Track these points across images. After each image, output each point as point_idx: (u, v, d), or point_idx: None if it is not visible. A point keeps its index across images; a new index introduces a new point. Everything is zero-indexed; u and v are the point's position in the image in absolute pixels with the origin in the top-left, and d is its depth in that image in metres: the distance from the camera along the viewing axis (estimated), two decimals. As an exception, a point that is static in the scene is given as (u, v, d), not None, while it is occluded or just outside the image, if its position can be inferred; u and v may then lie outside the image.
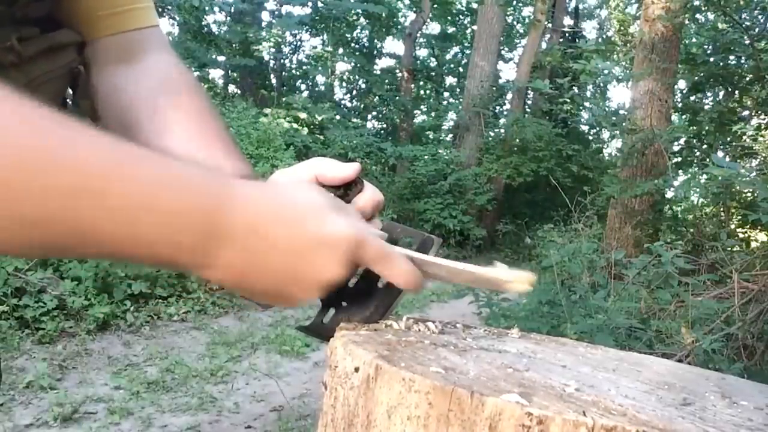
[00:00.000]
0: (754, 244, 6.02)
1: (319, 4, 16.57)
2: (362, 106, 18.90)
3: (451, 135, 17.29)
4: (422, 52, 20.03)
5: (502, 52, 18.18)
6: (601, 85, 14.11)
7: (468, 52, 17.48)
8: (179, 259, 0.48)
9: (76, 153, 0.41)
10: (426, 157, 12.99)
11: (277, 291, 0.54)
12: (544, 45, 15.90)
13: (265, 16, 17.32)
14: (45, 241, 0.42)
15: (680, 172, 8.06)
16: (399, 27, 18.73)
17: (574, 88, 8.01)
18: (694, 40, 7.78)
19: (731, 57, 7.16)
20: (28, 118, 0.40)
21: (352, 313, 0.62)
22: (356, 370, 0.49)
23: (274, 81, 17.29)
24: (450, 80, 20.69)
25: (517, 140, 12.89)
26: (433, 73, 19.91)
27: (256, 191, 0.51)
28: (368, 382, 0.47)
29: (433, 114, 19.00)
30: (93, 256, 0.47)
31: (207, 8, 13.98)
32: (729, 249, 4.38)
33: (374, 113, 19.10)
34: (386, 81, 18.37)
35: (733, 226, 6.17)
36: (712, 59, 7.24)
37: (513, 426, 0.40)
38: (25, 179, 0.39)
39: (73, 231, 0.42)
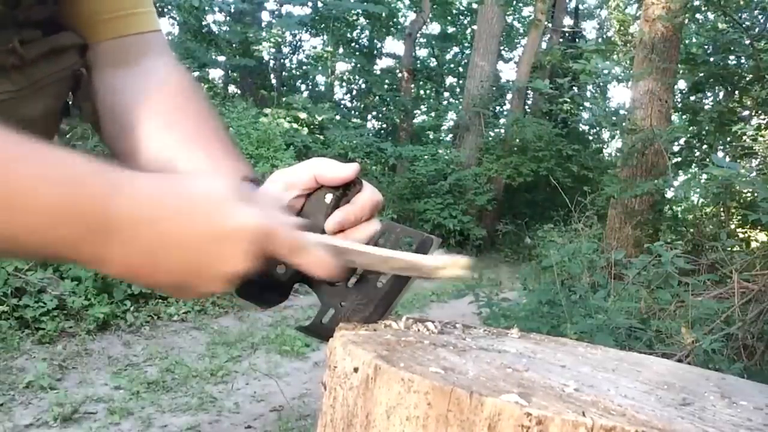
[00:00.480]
0: (754, 244, 6.02)
1: (319, 4, 16.57)
2: (362, 106, 18.90)
3: (451, 135, 17.30)
4: (422, 52, 20.05)
5: (502, 52, 18.19)
6: (601, 85, 14.11)
7: (468, 52, 17.48)
8: (68, 254, 0.47)
9: None
10: (426, 157, 12.99)
11: (177, 284, 0.53)
12: (544, 45, 15.90)
13: (265, 16, 17.33)
14: None
15: (680, 172, 8.07)
16: (399, 27, 18.74)
17: (574, 88, 8.01)
18: (694, 40, 7.78)
19: (731, 57, 7.16)
20: None
21: (352, 312, 0.62)
22: (355, 370, 0.49)
23: (274, 81, 17.29)
24: (450, 80, 20.71)
25: (517, 140, 12.89)
26: (433, 73, 19.91)
27: (149, 184, 0.51)
28: (367, 382, 0.47)
29: (433, 114, 19.01)
30: None
31: (207, 8, 13.98)
32: (729, 249, 4.38)
33: (374, 113, 19.10)
34: (386, 81, 18.38)
35: (733, 226, 6.17)
36: (712, 59, 7.23)
37: (512, 426, 0.40)
38: None
39: None
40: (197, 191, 0.52)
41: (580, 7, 18.80)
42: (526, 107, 15.93)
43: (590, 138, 15.60)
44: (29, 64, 0.64)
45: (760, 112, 7.64)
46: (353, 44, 18.91)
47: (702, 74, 7.54)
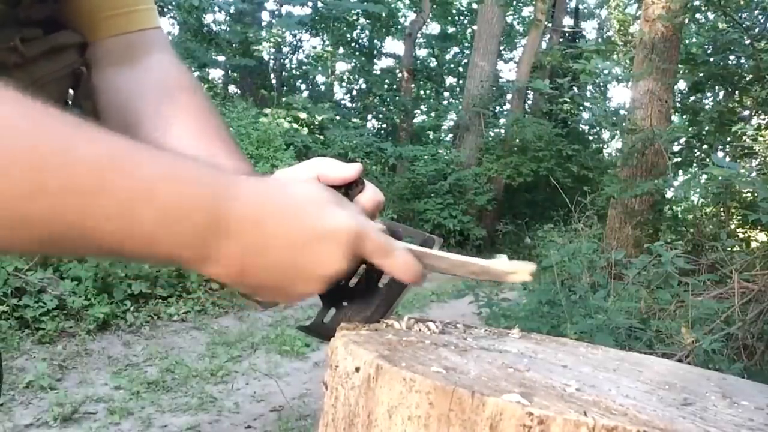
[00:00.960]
0: (754, 244, 6.02)
1: (319, 4, 16.57)
2: (362, 106, 18.90)
3: (451, 135, 17.30)
4: (422, 52, 20.05)
5: (502, 52, 18.19)
6: (601, 85, 14.11)
7: (468, 52, 17.48)
8: (179, 255, 0.47)
9: (71, 151, 0.41)
10: (426, 157, 12.99)
11: (277, 285, 0.53)
12: (544, 45, 15.90)
13: (265, 16, 17.34)
14: (44, 240, 0.42)
15: (680, 172, 8.07)
16: (399, 27, 18.73)
17: (574, 88, 8.01)
18: (694, 40, 7.78)
19: (731, 57, 7.16)
20: (25, 116, 0.40)
21: (353, 312, 0.62)
22: (357, 369, 0.49)
23: (274, 81, 17.29)
24: (450, 80, 20.72)
25: (517, 140, 12.90)
26: (433, 73, 19.92)
27: (257, 186, 0.52)
28: (369, 381, 0.47)
29: (433, 114, 19.01)
30: (93, 253, 0.46)
31: (207, 8, 13.98)
32: (729, 249, 4.38)
33: (374, 113, 19.10)
34: (386, 81, 18.38)
35: (733, 226, 6.17)
36: (712, 59, 7.23)
37: (514, 426, 0.40)
38: (20, 178, 0.39)
39: (69, 229, 0.42)
40: (299, 193, 0.54)
41: (580, 7, 18.80)
42: (526, 107, 15.94)
43: (590, 138, 15.61)
44: (30, 62, 0.63)
45: (760, 112, 7.64)
46: (353, 44, 18.91)
47: (702, 74, 7.54)
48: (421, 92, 20.16)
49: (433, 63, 20.23)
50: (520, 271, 0.58)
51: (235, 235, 0.48)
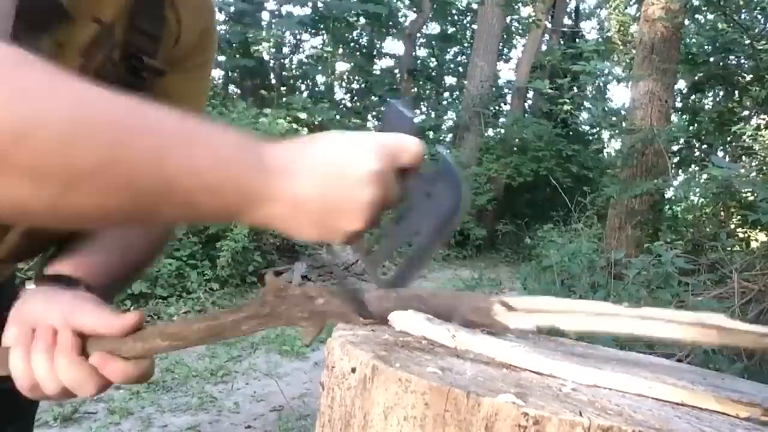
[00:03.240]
0: (754, 244, 6.01)
1: (319, 4, 16.55)
2: (362, 106, 18.89)
3: (451, 135, 17.28)
4: (422, 52, 20.02)
5: (502, 52, 18.17)
6: (601, 85, 14.09)
7: (468, 52, 17.47)
8: (241, 196, 0.54)
9: (141, 125, 0.51)
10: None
11: (326, 215, 0.56)
12: (544, 45, 15.89)
13: (265, 16, 17.31)
14: (135, 202, 0.51)
15: (680, 172, 8.06)
16: (399, 27, 18.72)
17: (574, 88, 8.00)
18: (694, 40, 7.76)
19: (731, 57, 7.15)
20: (96, 92, 0.50)
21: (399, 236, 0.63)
22: (353, 370, 0.49)
23: (274, 81, 17.28)
24: (450, 80, 20.68)
25: (517, 140, 12.88)
26: (433, 73, 19.89)
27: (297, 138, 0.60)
28: (365, 382, 0.47)
29: (433, 114, 18.98)
30: (173, 211, 0.54)
31: (207, 8, 13.94)
32: (729, 249, 4.38)
33: (374, 113, 19.09)
34: (386, 81, 18.36)
35: (733, 226, 6.16)
36: (712, 59, 7.23)
37: (509, 426, 0.40)
38: (109, 155, 0.48)
39: (153, 187, 0.50)
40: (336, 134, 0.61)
41: (580, 7, 18.80)
42: (526, 107, 15.92)
43: (590, 138, 15.58)
44: None
45: (760, 112, 7.63)
46: (353, 44, 18.89)
47: (702, 74, 7.53)
48: (421, 92, 20.15)
49: (433, 63, 20.20)
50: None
51: (279, 167, 0.55)
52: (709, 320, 0.51)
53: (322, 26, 17.40)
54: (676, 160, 7.88)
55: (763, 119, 7.56)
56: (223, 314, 0.64)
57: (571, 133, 13.08)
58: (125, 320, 0.65)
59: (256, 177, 0.54)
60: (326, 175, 0.56)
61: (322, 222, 0.57)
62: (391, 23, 18.66)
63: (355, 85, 19.21)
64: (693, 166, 8.15)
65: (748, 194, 4.90)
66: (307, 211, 0.56)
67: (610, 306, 0.55)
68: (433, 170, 0.64)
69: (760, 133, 6.64)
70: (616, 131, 7.56)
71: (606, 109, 8.30)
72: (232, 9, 15.36)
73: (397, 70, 18.74)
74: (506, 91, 16.74)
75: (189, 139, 0.52)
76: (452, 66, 20.33)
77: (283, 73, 17.96)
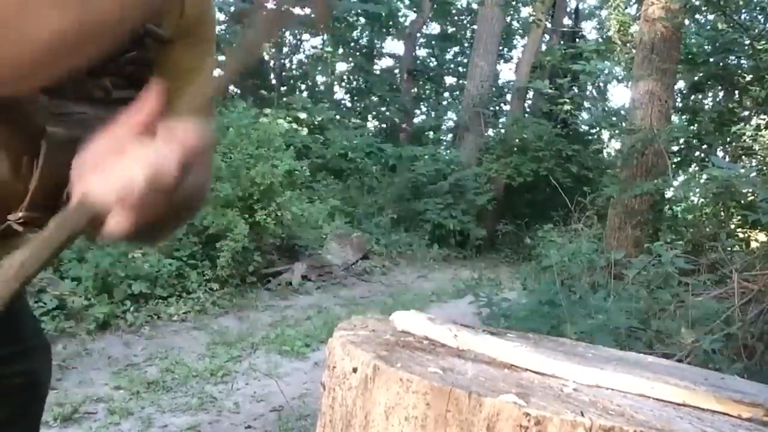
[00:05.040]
0: (754, 244, 6.00)
1: (319, 4, 16.53)
2: (362, 106, 18.89)
3: (451, 135, 17.29)
4: (422, 52, 20.03)
5: (502, 52, 18.16)
6: (601, 85, 14.09)
7: (468, 52, 17.47)
8: None
9: None
10: (426, 157, 12.97)
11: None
12: (544, 45, 15.89)
13: (265, 16, 17.28)
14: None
15: (680, 172, 8.06)
16: (399, 27, 18.72)
17: (574, 88, 8.00)
18: (693, 40, 7.77)
19: (731, 57, 7.15)
20: None
21: None
22: (354, 370, 0.49)
23: (274, 81, 17.28)
24: (450, 80, 20.68)
25: (517, 140, 12.88)
26: (433, 73, 19.89)
27: None
28: (366, 382, 0.47)
29: (433, 114, 18.97)
30: None
31: (207, 8, 13.96)
32: (729, 249, 4.38)
33: (374, 113, 19.09)
34: (386, 81, 18.36)
35: (733, 226, 6.15)
36: (712, 59, 7.23)
37: (511, 426, 0.40)
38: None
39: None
40: None
41: (580, 7, 18.79)
42: (526, 107, 15.92)
43: (590, 138, 15.58)
44: (112, 102, 0.73)
45: (760, 112, 7.63)
46: (353, 44, 18.89)
47: (702, 74, 7.53)
48: (421, 92, 20.14)
49: (433, 63, 20.20)
50: None
51: None
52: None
53: (322, 26, 17.38)
54: (676, 160, 7.88)
55: (763, 119, 7.57)
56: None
57: (571, 133, 13.07)
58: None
59: None
60: None
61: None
62: (391, 23, 18.66)
63: (355, 85, 19.20)
64: (693, 166, 8.15)
65: (748, 194, 4.90)
66: None
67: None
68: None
69: (760, 133, 6.65)
70: (616, 131, 7.56)
71: (606, 109, 8.30)
72: (232, 9, 15.36)
73: (397, 70, 18.75)
74: (506, 91, 16.75)
75: None
76: (452, 66, 20.33)
77: (283, 73, 17.96)
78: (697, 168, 7.75)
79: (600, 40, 10.85)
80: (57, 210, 0.76)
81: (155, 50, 0.81)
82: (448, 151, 13.91)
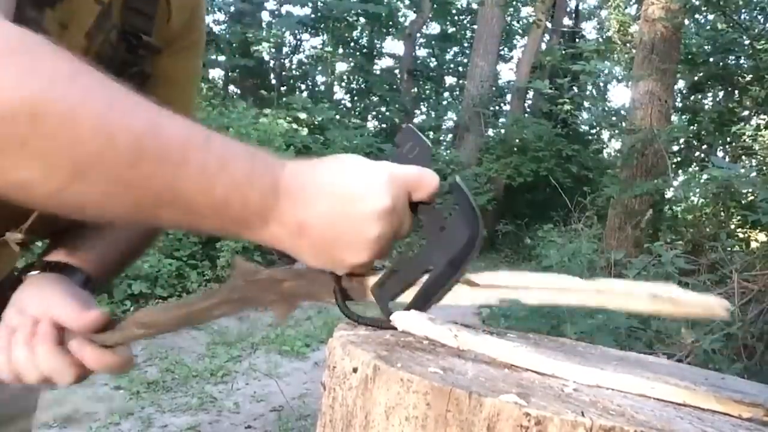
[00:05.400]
0: (754, 244, 6.01)
1: (319, 4, 16.56)
2: (362, 106, 18.89)
3: (451, 135, 17.29)
4: (422, 52, 20.04)
5: (502, 53, 18.17)
6: (601, 85, 14.10)
7: (468, 52, 17.48)
8: (247, 216, 0.54)
9: (160, 128, 0.51)
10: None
11: (331, 242, 0.55)
12: (544, 45, 15.89)
13: (265, 16, 17.32)
14: (138, 204, 0.51)
15: (680, 172, 8.06)
16: (399, 27, 18.72)
17: (574, 88, 8.00)
18: (693, 40, 7.77)
19: (731, 57, 7.16)
20: (119, 98, 0.50)
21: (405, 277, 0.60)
22: (354, 370, 0.49)
23: (274, 81, 17.28)
24: (450, 80, 20.70)
25: (517, 140, 12.88)
26: (433, 73, 19.90)
27: (307, 161, 0.58)
28: (366, 382, 0.47)
29: (433, 114, 18.97)
30: (176, 218, 0.54)
31: (207, 8, 13.96)
32: (729, 249, 4.38)
33: (374, 113, 19.09)
34: (386, 81, 18.36)
35: (733, 226, 6.16)
36: (711, 59, 7.23)
37: (511, 426, 0.40)
38: (124, 148, 0.48)
39: (160, 193, 0.51)
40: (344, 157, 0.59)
41: (580, 7, 18.79)
42: (526, 107, 15.93)
43: (590, 138, 15.59)
44: None
45: (760, 112, 7.63)
46: (353, 44, 18.90)
47: (702, 74, 7.54)
48: (421, 92, 20.15)
49: (433, 63, 20.21)
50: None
51: (290, 191, 0.54)
52: (662, 292, 0.55)
53: (322, 26, 17.41)
54: (676, 160, 7.89)
55: (763, 119, 7.57)
56: (196, 301, 0.64)
57: (571, 133, 13.08)
58: (89, 317, 0.67)
59: (264, 199, 0.53)
60: (335, 205, 0.55)
61: (326, 251, 0.56)
62: (391, 23, 18.67)
63: (355, 85, 19.21)
64: (693, 166, 8.15)
65: (748, 194, 4.90)
66: (311, 238, 0.55)
67: (569, 279, 0.58)
68: (449, 203, 0.63)
69: (760, 133, 6.65)
70: (616, 131, 7.56)
71: (606, 109, 8.30)
72: (232, 9, 15.36)
73: (397, 70, 18.76)
74: (506, 91, 16.74)
75: (203, 151, 0.52)
76: (452, 66, 20.35)
77: (283, 73, 17.96)
78: (697, 168, 7.76)
79: (600, 40, 10.86)
80: (53, 236, 0.80)
81: (146, 60, 0.82)
82: (448, 151, 13.91)
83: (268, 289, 0.61)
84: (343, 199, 0.55)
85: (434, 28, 19.93)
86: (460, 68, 19.08)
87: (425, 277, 0.61)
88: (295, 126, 11.14)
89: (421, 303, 0.61)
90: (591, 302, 0.57)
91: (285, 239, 0.55)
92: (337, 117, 14.68)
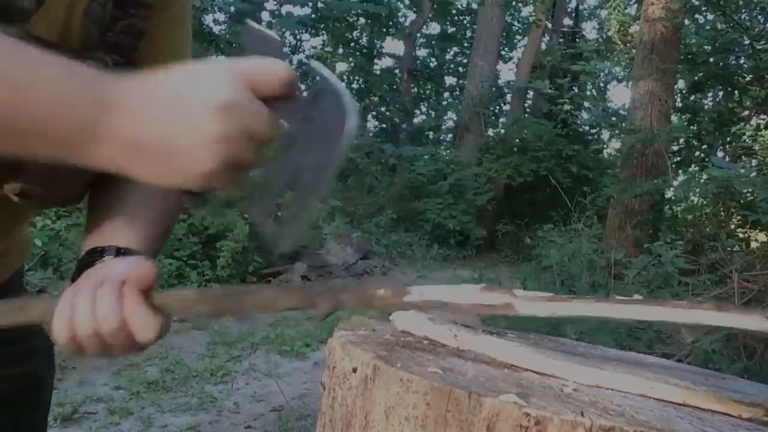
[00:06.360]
0: (754, 244, 6.01)
1: (319, 4, 16.56)
2: (362, 106, 18.89)
3: (451, 135, 17.28)
4: (422, 52, 20.03)
5: (502, 52, 18.17)
6: (601, 85, 14.09)
7: (468, 52, 17.48)
8: (73, 135, 0.49)
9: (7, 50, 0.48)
10: (426, 157, 12.97)
11: (167, 161, 0.51)
12: (544, 45, 15.89)
13: (265, 16, 17.31)
14: None
15: (680, 172, 8.06)
16: (399, 27, 18.72)
17: (574, 88, 8.01)
18: (694, 40, 7.77)
19: (731, 57, 7.16)
20: None
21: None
22: (354, 370, 0.49)
23: (274, 81, 17.25)
24: (450, 80, 20.70)
25: (517, 140, 12.88)
26: (433, 73, 19.90)
27: (141, 74, 0.53)
28: (366, 382, 0.47)
29: (433, 114, 18.97)
30: (8, 141, 0.49)
31: (207, 8, 13.97)
32: (729, 249, 4.38)
33: (374, 113, 19.09)
34: (386, 81, 18.37)
35: (733, 226, 6.16)
36: (712, 59, 7.23)
37: (511, 426, 0.40)
38: None
39: None
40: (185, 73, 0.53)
41: (580, 7, 18.79)
42: (526, 107, 15.93)
43: (590, 138, 15.59)
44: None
45: (759, 112, 7.63)
46: (353, 44, 18.89)
47: (702, 74, 7.53)
48: (421, 92, 20.15)
49: (433, 63, 20.21)
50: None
51: (117, 104, 0.49)
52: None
53: (322, 26, 17.41)
54: (676, 160, 7.88)
55: (763, 119, 7.57)
56: (268, 292, 0.60)
57: (571, 133, 13.07)
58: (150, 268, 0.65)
59: (87, 115, 0.49)
60: (166, 111, 0.50)
61: (167, 165, 0.51)
62: (391, 23, 18.66)
63: (355, 85, 19.21)
64: (693, 166, 8.15)
65: (748, 194, 4.90)
66: (148, 152, 0.50)
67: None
68: (310, 91, 0.56)
69: (760, 133, 6.65)
70: (616, 131, 7.56)
71: (606, 109, 8.30)
72: (232, 9, 15.36)
73: (397, 70, 18.75)
74: (506, 91, 16.74)
75: (30, 70, 0.48)
76: (452, 66, 20.34)
77: (283, 73, 17.93)
78: (697, 168, 7.75)
79: (600, 40, 10.86)
80: (53, 183, 0.78)
81: (142, 17, 0.78)
82: (448, 151, 13.91)
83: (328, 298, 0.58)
84: (173, 103, 0.50)
85: (434, 28, 19.94)
86: (460, 68, 19.07)
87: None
88: (295, 126, 11.14)
89: (296, 210, 0.55)
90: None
91: (121, 159, 0.51)
92: (337, 117, 14.65)
